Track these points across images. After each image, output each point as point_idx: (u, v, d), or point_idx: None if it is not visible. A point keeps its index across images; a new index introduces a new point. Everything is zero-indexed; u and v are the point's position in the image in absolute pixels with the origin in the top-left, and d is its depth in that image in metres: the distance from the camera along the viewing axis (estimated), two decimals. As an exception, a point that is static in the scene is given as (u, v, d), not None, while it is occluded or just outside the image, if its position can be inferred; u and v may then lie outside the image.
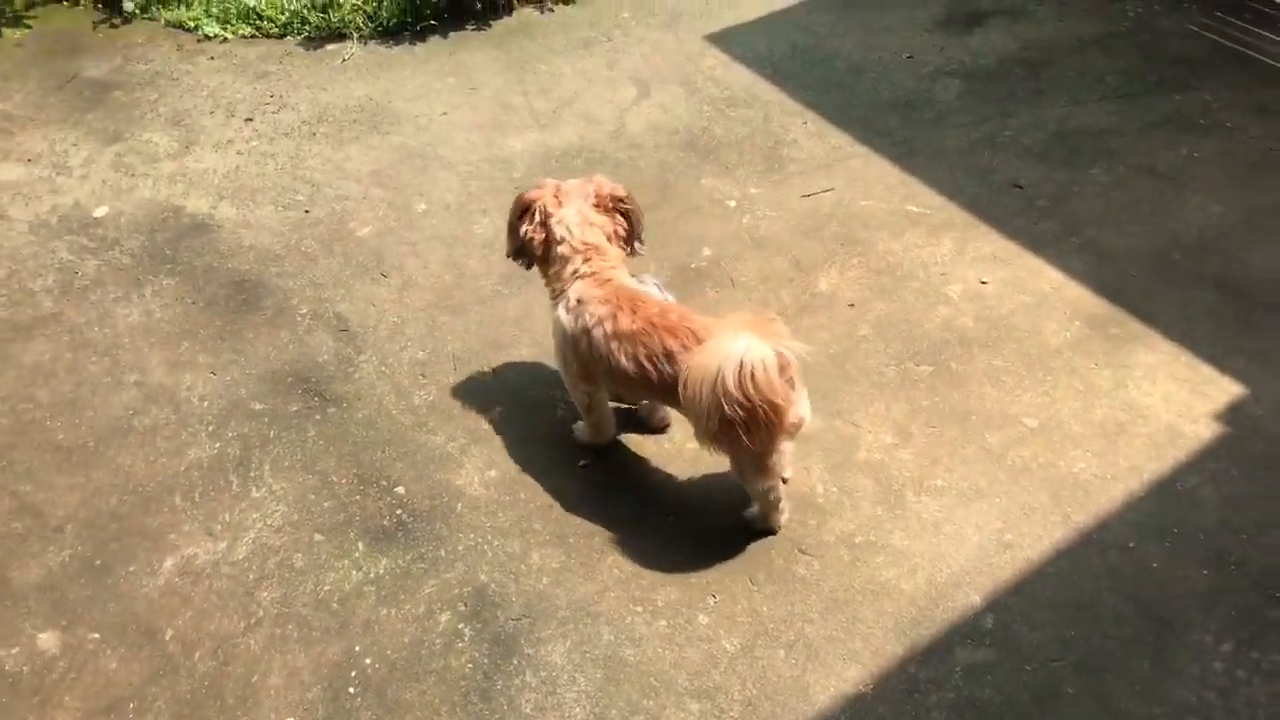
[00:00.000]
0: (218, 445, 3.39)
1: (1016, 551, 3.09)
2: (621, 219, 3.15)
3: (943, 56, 5.08)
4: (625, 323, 2.94)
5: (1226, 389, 3.54)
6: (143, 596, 3.00)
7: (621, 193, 3.14)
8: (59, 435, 3.42)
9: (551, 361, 3.63)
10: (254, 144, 4.60)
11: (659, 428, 3.44)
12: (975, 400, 3.52)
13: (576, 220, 3.07)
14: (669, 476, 3.29)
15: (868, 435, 3.41)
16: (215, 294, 3.90)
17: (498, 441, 3.41)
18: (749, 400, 2.63)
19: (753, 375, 2.61)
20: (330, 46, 5.19)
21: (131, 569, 3.06)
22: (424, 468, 3.33)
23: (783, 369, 2.72)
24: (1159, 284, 3.91)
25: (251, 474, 3.31)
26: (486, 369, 3.64)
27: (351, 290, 3.93)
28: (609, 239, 3.11)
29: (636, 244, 3.22)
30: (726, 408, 2.64)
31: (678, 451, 3.36)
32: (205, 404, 3.52)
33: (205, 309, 3.84)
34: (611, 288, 3.02)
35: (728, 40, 5.19)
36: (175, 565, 3.06)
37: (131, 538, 3.14)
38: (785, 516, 3.13)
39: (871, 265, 4.01)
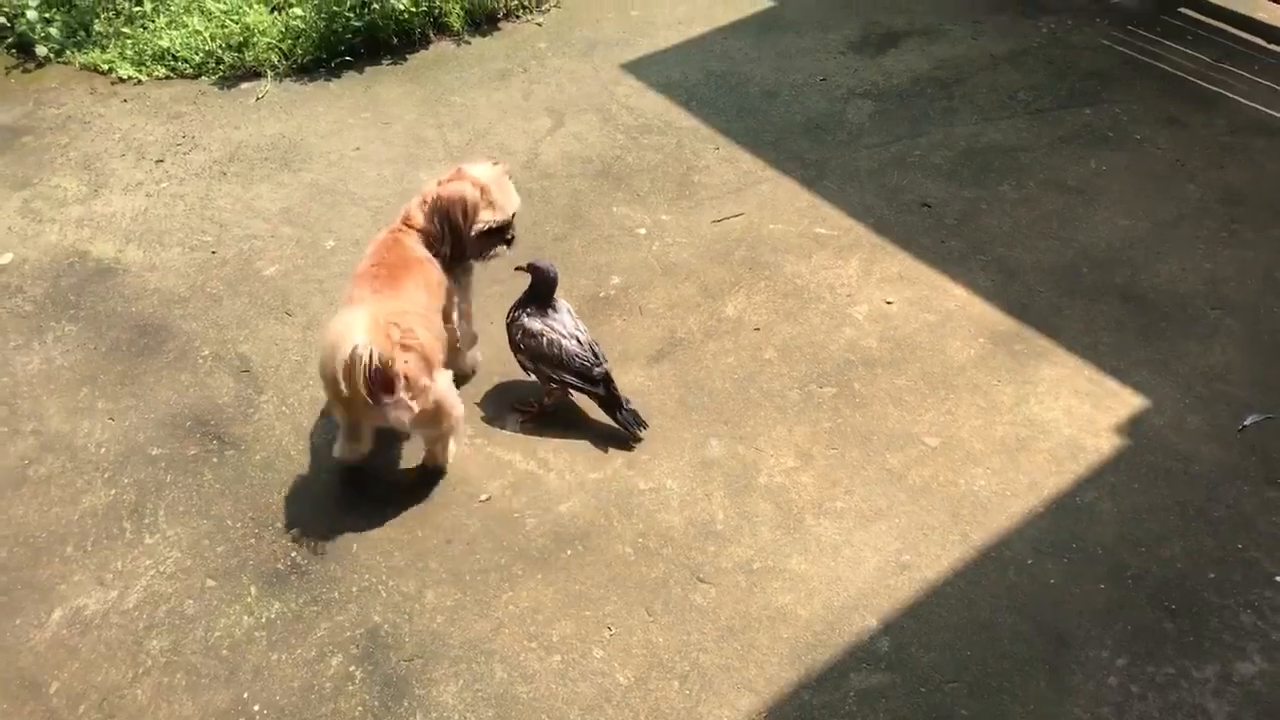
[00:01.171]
0: (113, 492, 3.34)
1: (914, 573, 3.08)
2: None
3: (856, 78, 5.11)
4: None
5: (1128, 401, 3.55)
6: (28, 650, 2.94)
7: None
8: (-50, 488, 3.37)
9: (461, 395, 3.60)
10: (164, 185, 4.56)
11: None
12: (877, 421, 3.51)
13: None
14: (570, 508, 3.27)
15: (769, 459, 3.40)
16: (118, 339, 3.86)
17: (396, 478, 3.38)
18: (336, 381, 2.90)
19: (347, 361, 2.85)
20: (245, 85, 5.17)
21: (18, 622, 3.00)
22: (320, 508, 3.29)
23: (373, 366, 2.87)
24: (1065, 298, 3.93)
25: (145, 520, 3.26)
26: (389, 406, 3.60)
27: (255, 330, 3.89)
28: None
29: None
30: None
31: (580, 483, 3.34)
32: (102, 450, 3.47)
33: (107, 354, 3.80)
34: None
35: (643, 68, 5.20)
36: (63, 616, 3.01)
37: (19, 590, 3.08)
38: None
39: (779, 289, 4.01)
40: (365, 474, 3.38)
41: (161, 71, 5.23)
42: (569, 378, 3.40)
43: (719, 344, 3.80)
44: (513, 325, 3.44)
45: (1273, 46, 5.18)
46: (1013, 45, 5.28)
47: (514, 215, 3.39)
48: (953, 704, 2.78)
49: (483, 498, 3.31)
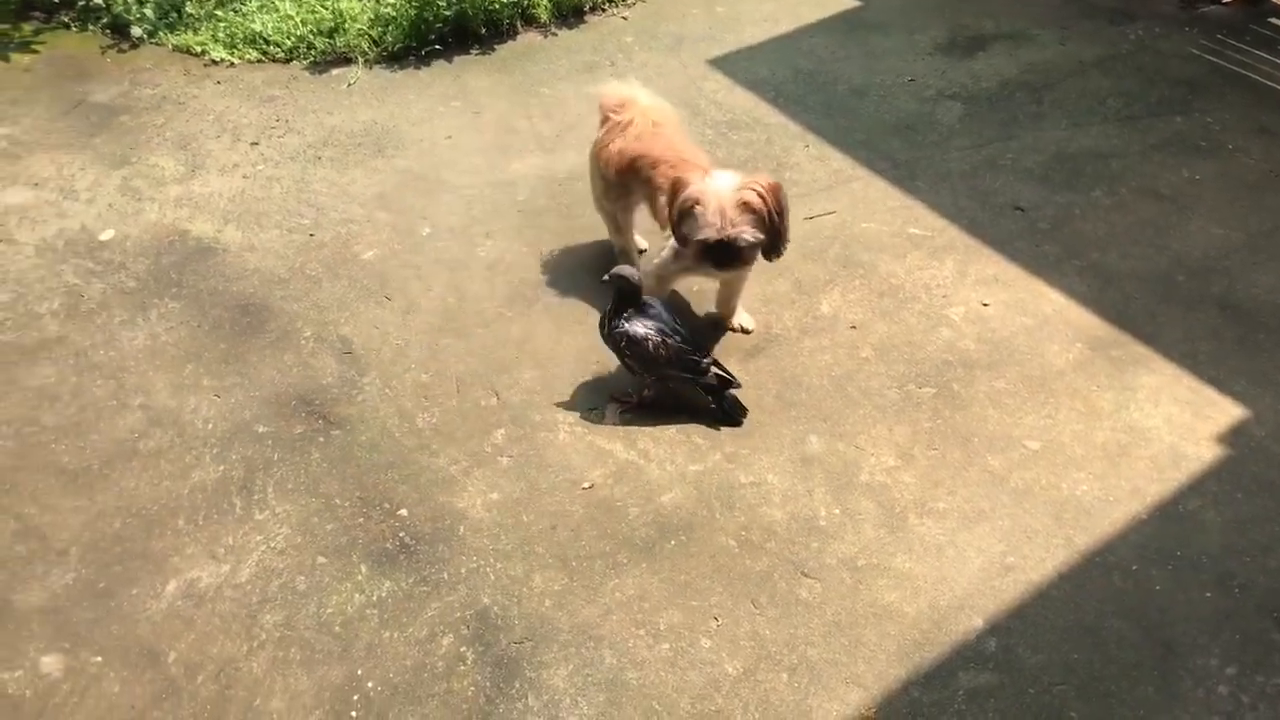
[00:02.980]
0: (221, 468, 3.40)
1: (1019, 574, 3.09)
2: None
3: (944, 80, 5.10)
4: None
5: (1228, 411, 3.54)
6: (146, 619, 3.00)
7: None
8: (64, 458, 3.43)
9: (557, 384, 3.65)
10: (259, 168, 4.63)
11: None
12: (977, 423, 3.52)
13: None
14: (673, 499, 3.29)
15: (870, 458, 3.42)
16: (220, 317, 3.92)
17: (501, 464, 3.42)
18: None
19: None
20: (336, 71, 5.23)
21: (134, 592, 3.06)
22: (427, 490, 3.33)
23: None
24: (1161, 306, 3.91)
25: (255, 497, 3.31)
26: (490, 391, 3.65)
27: (356, 313, 3.94)
28: None
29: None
30: None
31: (680, 475, 3.36)
32: (209, 426, 3.53)
33: (210, 332, 3.86)
34: None
35: (730, 65, 5.22)
36: (178, 588, 3.07)
37: (135, 561, 3.14)
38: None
39: (874, 287, 4.02)
40: (470, 459, 3.42)
41: (253, 55, 5.29)
42: (678, 374, 3.43)
43: (815, 341, 3.81)
44: (614, 335, 3.45)
45: (1366, 59, 5.14)
46: (1101, 51, 5.26)
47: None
48: (1061, 706, 2.78)
49: (585, 485, 3.34)
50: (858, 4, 5.66)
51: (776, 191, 3.35)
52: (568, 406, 3.59)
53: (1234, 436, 3.46)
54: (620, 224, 3.98)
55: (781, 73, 5.16)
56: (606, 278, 3.46)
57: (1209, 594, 3.03)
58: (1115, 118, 4.84)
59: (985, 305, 3.94)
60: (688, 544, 3.17)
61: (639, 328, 3.42)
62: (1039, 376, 3.66)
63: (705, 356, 3.46)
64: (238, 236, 4.27)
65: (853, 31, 5.46)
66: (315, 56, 5.27)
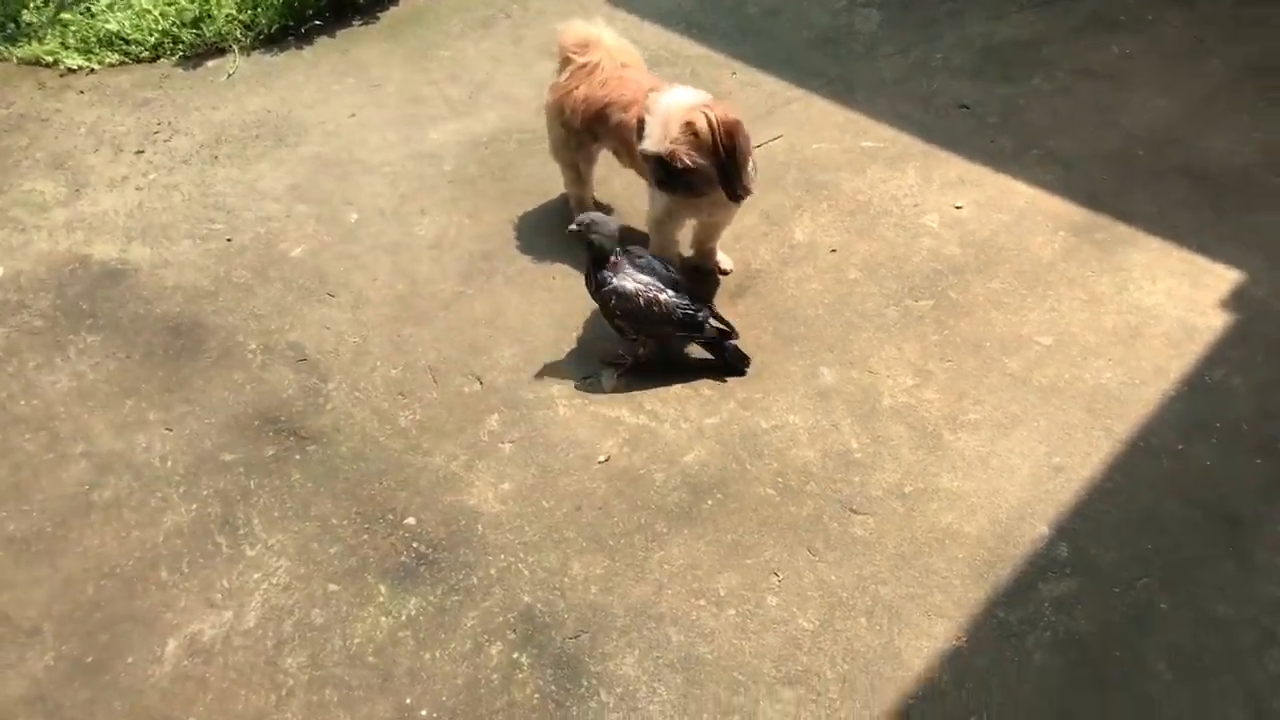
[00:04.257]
0: (194, 506, 3.04)
1: (1069, 474, 2.97)
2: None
3: (853, -11, 4.95)
4: None
5: (1224, 276, 3.49)
6: (152, 688, 2.65)
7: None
8: (8, 527, 3.02)
9: (541, 357, 3.38)
10: (152, 177, 4.19)
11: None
12: (984, 327, 3.39)
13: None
14: (697, 457, 3.07)
15: (887, 380, 3.25)
16: (150, 344, 3.52)
17: (503, 451, 3.14)
18: None
19: None
20: (211, 63, 4.79)
21: (130, 660, 2.70)
22: (430, 493, 3.04)
23: None
24: (1129, 183, 3.85)
25: (240, 531, 2.97)
26: (470, 377, 3.36)
27: (300, 316, 3.59)
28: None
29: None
30: None
31: (698, 430, 3.15)
32: (169, 464, 3.16)
33: (142, 362, 3.46)
34: None
35: (631, 1, 4.96)
36: (180, 646, 2.72)
37: (121, 625, 2.78)
38: None
39: (842, 207, 3.85)
40: (468, 451, 3.14)
41: (113, 58, 4.81)
42: (674, 330, 3.20)
43: (798, 270, 3.62)
44: (602, 291, 3.19)
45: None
46: (999, -59, 5.17)
47: None
48: (1150, 599, 2.68)
49: (601, 459, 3.10)
50: (746, -76, 5.45)
51: (732, 128, 3.10)
52: (559, 378, 3.33)
53: (1236, 301, 3.41)
54: (582, 174, 3.71)
55: (686, 2, 4.93)
56: (574, 227, 3.20)
57: (1258, 461, 2.97)
58: (1030, 5, 4.76)
59: (958, 208, 3.81)
60: (725, 501, 2.96)
61: (628, 282, 3.17)
62: (1031, 271, 3.55)
63: (702, 309, 3.23)
64: (147, 254, 3.85)
65: (748, -48, 5.26)
66: (184, 50, 4.82)
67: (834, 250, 3.68)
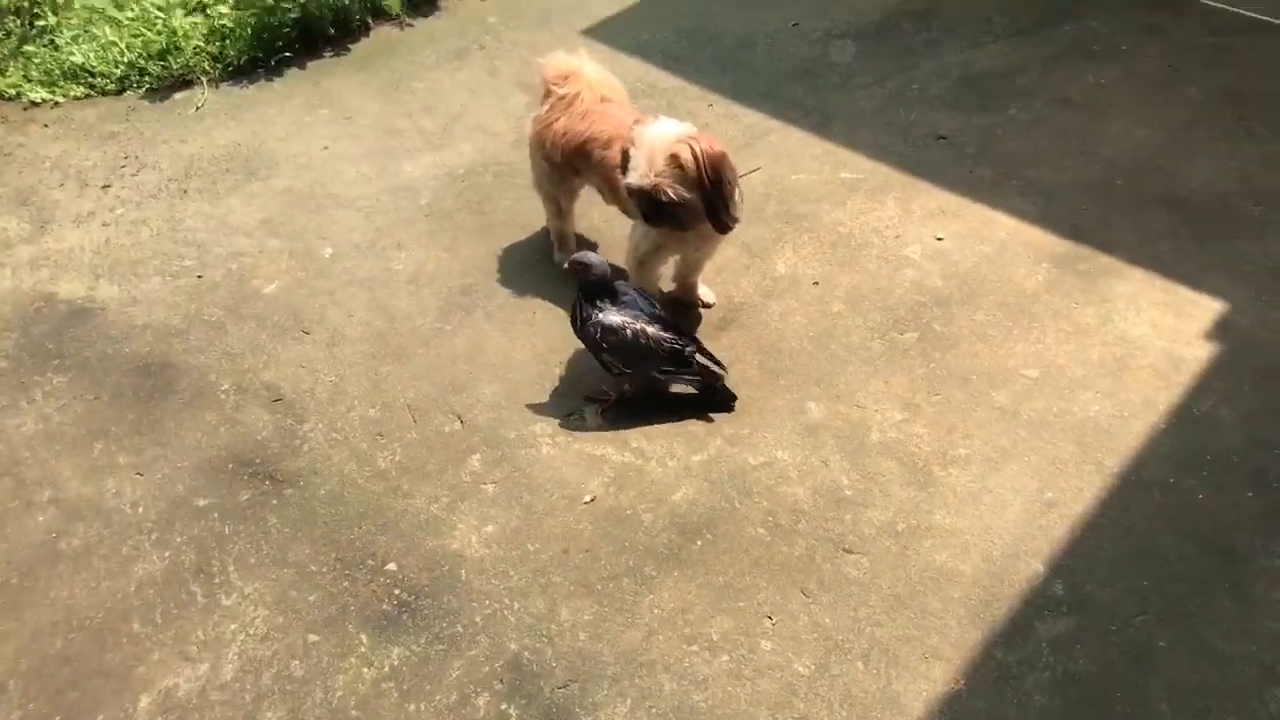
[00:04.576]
0: (167, 554, 2.94)
1: (1062, 509, 2.94)
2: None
3: (828, 20, 4.94)
4: None
5: (1208, 307, 3.48)
6: (124, 748, 2.55)
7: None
8: (-28, 578, 2.92)
9: (524, 394, 3.31)
10: (119, 212, 4.09)
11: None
12: (970, 360, 3.36)
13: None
14: (685, 495, 3.01)
15: (875, 415, 3.21)
16: (119, 384, 3.42)
17: (486, 492, 3.07)
18: None
19: None
20: (178, 95, 4.70)
21: (101, 718, 2.60)
22: (412, 537, 2.96)
23: None
24: (1110, 213, 3.84)
25: (216, 580, 2.88)
26: (451, 415, 3.28)
27: (274, 355, 3.50)
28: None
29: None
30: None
31: (685, 468, 3.09)
32: (140, 510, 3.06)
33: (111, 403, 3.36)
34: None
35: (608, 33, 4.93)
36: (154, 702, 2.62)
37: (92, 681, 2.67)
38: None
39: (823, 239, 3.82)
40: (450, 493, 3.06)
41: (78, 91, 4.71)
42: (664, 367, 3.14)
43: (782, 303, 3.58)
44: (588, 326, 3.13)
45: (1220, -53, 5.20)
46: (971, -30, 5.18)
47: None
48: (1149, 637, 2.64)
49: (587, 499, 3.03)
50: (719, -45, 5.44)
51: (717, 160, 3.06)
52: (542, 416, 3.26)
53: (1221, 331, 3.40)
54: (563, 208, 3.65)
55: (663, 34, 4.90)
56: (566, 264, 3.15)
57: (1249, 493, 2.95)
58: (1006, 34, 4.76)
59: (939, 239, 3.78)
60: (715, 541, 2.90)
61: (614, 316, 3.12)
62: (1016, 303, 3.53)
63: (689, 344, 3.18)
64: (115, 292, 3.76)
65: (722, -17, 5.24)
66: (151, 83, 4.72)
67: (816, 282, 3.65)
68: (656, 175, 3.00)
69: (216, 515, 3.04)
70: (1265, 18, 4.72)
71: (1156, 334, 3.39)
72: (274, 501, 3.07)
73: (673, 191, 3.02)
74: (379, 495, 3.07)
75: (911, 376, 3.32)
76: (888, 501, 2.98)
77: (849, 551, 2.86)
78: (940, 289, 3.59)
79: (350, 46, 4.96)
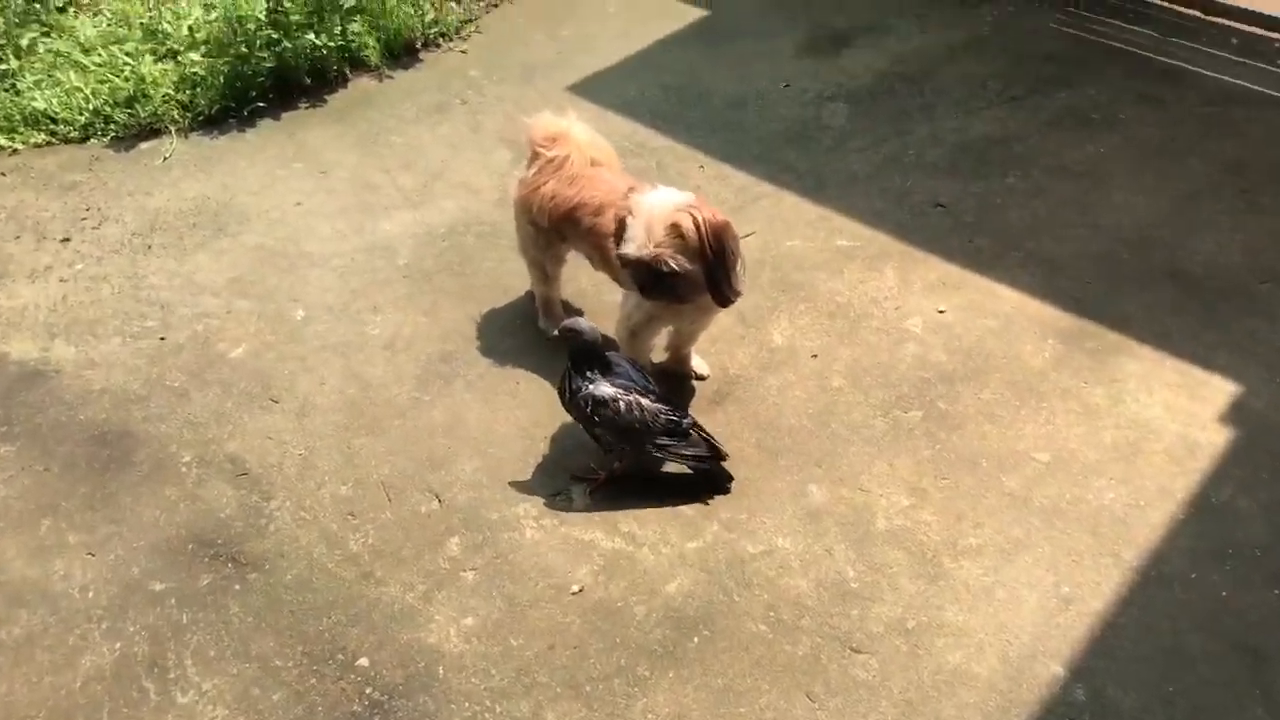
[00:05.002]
0: (118, 645, 2.71)
1: (1080, 605, 2.77)
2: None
3: (819, 81, 4.82)
4: None
5: (1221, 388, 3.35)
6: None
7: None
8: (-99, 670, 2.67)
9: (507, 471, 3.12)
10: (78, 268, 3.88)
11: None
12: (978, 441, 3.20)
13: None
14: (680, 586, 2.82)
15: (880, 500, 3.04)
16: (72, 455, 3.19)
17: (466, 580, 2.86)
18: None
19: None
20: (145, 145, 4.50)
21: (38, 834, 2.36)
22: (385, 629, 2.74)
23: None
24: (1116, 287, 3.71)
25: (171, 675, 2.64)
26: (428, 494, 3.08)
27: (240, 425, 3.29)
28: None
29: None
30: None
31: (679, 556, 2.90)
32: (90, 595, 2.82)
33: (63, 475, 3.13)
34: None
35: (593, 89, 4.78)
36: (97, 817, 2.38)
37: (29, 791, 2.43)
38: None
39: (820, 309, 3.66)
40: (427, 581, 2.85)
41: (39, 138, 4.51)
42: (658, 441, 2.96)
43: (779, 377, 3.42)
44: (577, 398, 2.95)
45: (1211, 18, 5.15)
46: (964, 35, 5.10)
47: None
48: (1178, 750, 2.46)
49: (574, 589, 2.83)
50: (705, 13, 5.32)
51: (720, 230, 2.91)
52: (526, 495, 3.07)
53: (1236, 414, 3.26)
54: (549, 274, 3.48)
55: (651, 91, 4.76)
56: (557, 332, 2.97)
57: (1276, 591, 2.79)
58: (1001, 100, 4.66)
59: (941, 312, 3.64)
60: (713, 639, 2.71)
61: (606, 387, 2.93)
62: (1023, 381, 3.38)
63: (685, 417, 3.01)
64: (71, 353, 3.53)
65: (710, 41, 5.12)
66: (116, 131, 4.52)
67: (815, 355, 3.49)
68: (656, 245, 2.84)
69: (174, 601, 2.81)
70: (1261, 88, 4.65)
71: (1170, 417, 3.25)
72: (236, 587, 2.85)
73: (674, 262, 2.85)
74: (350, 582, 2.86)
75: (917, 458, 3.15)
76: (896, 595, 2.80)
77: (857, 651, 2.67)
78: (944, 364, 3.44)
79: (327, 97, 4.78)
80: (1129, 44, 5.01)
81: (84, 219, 4.11)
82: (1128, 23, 5.16)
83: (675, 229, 2.85)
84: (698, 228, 2.85)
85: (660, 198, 2.88)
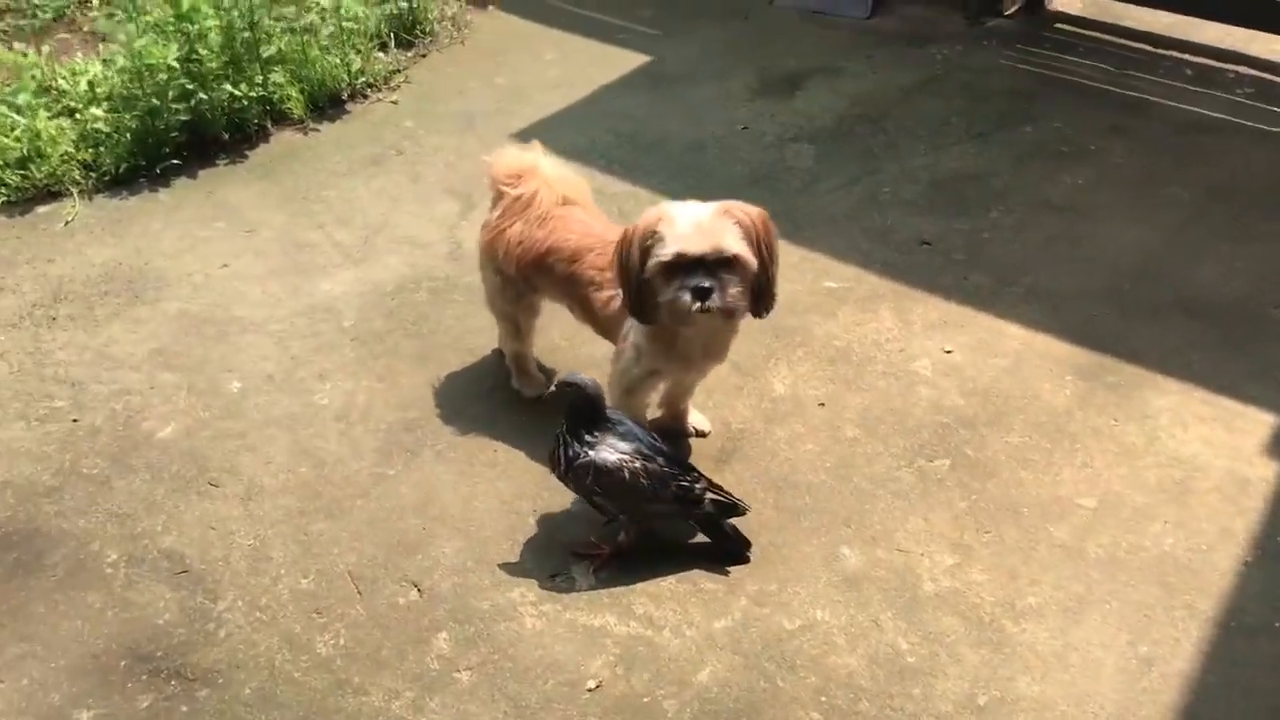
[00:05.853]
0: (39, 793, 2.21)
1: (1162, 666, 2.45)
2: None
3: (777, 123, 4.58)
4: None
5: (1257, 419, 3.11)
6: None
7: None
8: None
9: (493, 552, 2.71)
10: (-30, 344, 3.38)
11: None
12: (1016, 489, 2.90)
13: None
14: (714, 674, 2.43)
15: (922, 560, 2.70)
16: (-31, 561, 2.69)
17: (460, 682, 2.42)
18: None
19: None
20: (43, 209, 4.02)
21: None
22: (370, 747, 2.29)
23: None
24: (1125, 320, 3.49)
25: (107, 826, 2.15)
26: (405, 583, 2.64)
27: (175, 514, 2.82)
28: None
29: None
30: None
31: (707, 638, 2.51)
32: (0, 731, 2.32)
33: (-41, 586, 2.62)
34: None
35: (541, 136, 4.30)
36: None
37: None
38: None
39: (820, 354, 3.35)
40: (414, 685, 2.41)
41: (-83, 202, 3.99)
42: (667, 509, 2.59)
43: (787, 428, 3.08)
44: (577, 467, 2.56)
45: (1161, 51, 5.07)
46: (917, 75, 4.92)
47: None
48: (1308, 830, 2.14)
49: (590, 685, 2.42)
50: (650, 58, 5.06)
51: (767, 221, 2.60)
52: (520, 578, 2.66)
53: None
54: (521, 328, 3.10)
55: (603, 139, 4.45)
56: (554, 388, 2.60)
57: (1368, 634, 2.52)
58: (968, 137, 4.47)
59: (948, 352, 3.36)
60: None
61: (609, 454, 2.55)
62: (1050, 422, 3.10)
63: (698, 479, 2.64)
64: (-36, 441, 3.03)
65: (659, 86, 4.85)
66: (8, 195, 4.03)
67: (823, 404, 3.16)
68: (716, 233, 2.48)
69: (106, 731, 2.32)
70: (1226, 117, 4.55)
71: (1212, 452, 3.00)
72: (184, 708, 2.37)
73: (739, 246, 2.49)
74: (322, 693, 2.40)
75: (954, 511, 2.83)
76: (960, 668, 2.45)
77: (927, 736, 2.31)
78: (962, 408, 3.15)
79: (248, 152, 4.36)
80: (1086, 78, 4.88)
81: (-25, 290, 3.60)
82: (1080, 57, 5.05)
83: (728, 212, 2.52)
84: (750, 219, 2.52)
85: (690, 205, 2.55)
